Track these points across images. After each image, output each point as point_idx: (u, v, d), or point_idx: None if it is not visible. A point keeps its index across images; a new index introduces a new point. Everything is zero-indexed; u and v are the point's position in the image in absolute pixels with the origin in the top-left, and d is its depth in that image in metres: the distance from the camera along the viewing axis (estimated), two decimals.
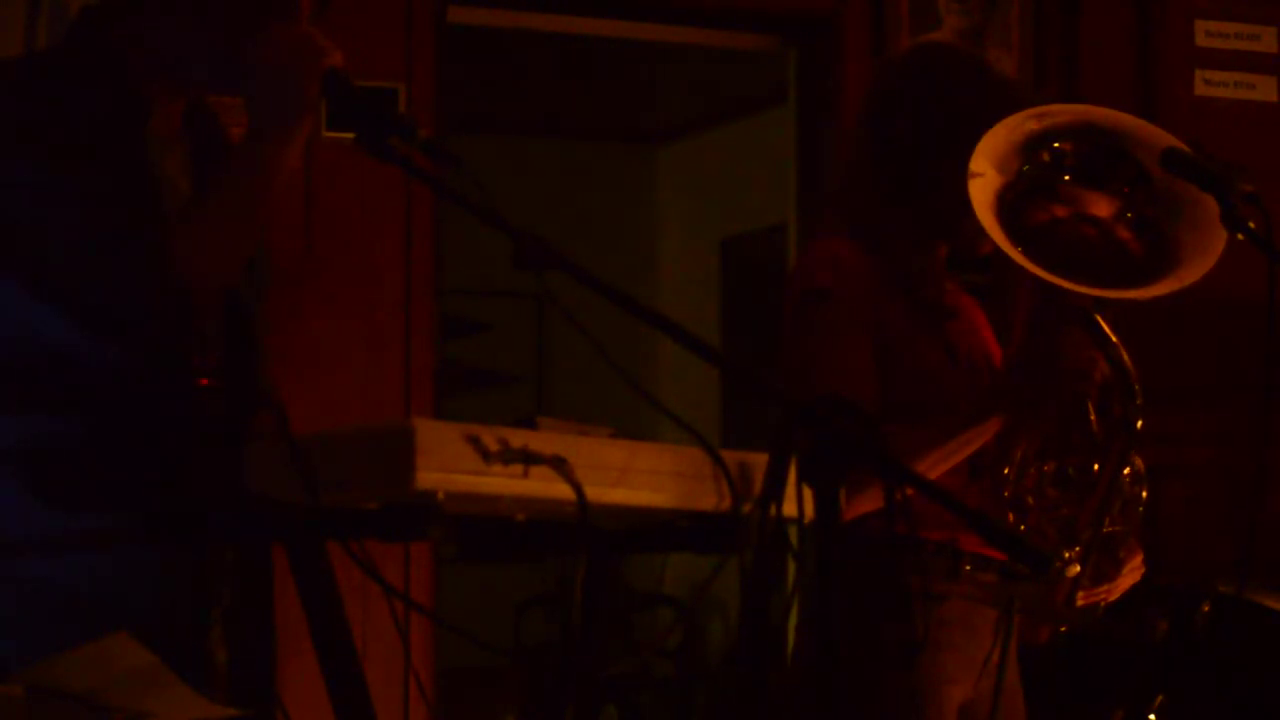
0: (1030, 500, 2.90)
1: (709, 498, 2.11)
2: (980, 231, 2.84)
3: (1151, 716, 3.73)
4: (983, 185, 2.79)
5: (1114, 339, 2.81)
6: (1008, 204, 2.81)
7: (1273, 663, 4.33)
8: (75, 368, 2.21)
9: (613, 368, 2.10)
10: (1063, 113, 2.87)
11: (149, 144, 2.31)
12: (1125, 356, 2.82)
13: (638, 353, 7.04)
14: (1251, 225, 2.83)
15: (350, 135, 2.16)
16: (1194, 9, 5.46)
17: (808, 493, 2.06)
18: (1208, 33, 5.48)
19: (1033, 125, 2.84)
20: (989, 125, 2.87)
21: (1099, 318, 2.80)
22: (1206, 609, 3.88)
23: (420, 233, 4.85)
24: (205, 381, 2.26)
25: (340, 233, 4.77)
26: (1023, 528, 2.86)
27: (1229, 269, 2.84)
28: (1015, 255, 2.75)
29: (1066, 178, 2.87)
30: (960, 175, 2.83)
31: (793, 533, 2.14)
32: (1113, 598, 2.96)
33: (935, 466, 2.85)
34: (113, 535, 2.18)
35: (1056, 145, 2.85)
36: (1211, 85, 5.47)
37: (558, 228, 5.26)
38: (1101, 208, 2.87)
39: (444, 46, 4.94)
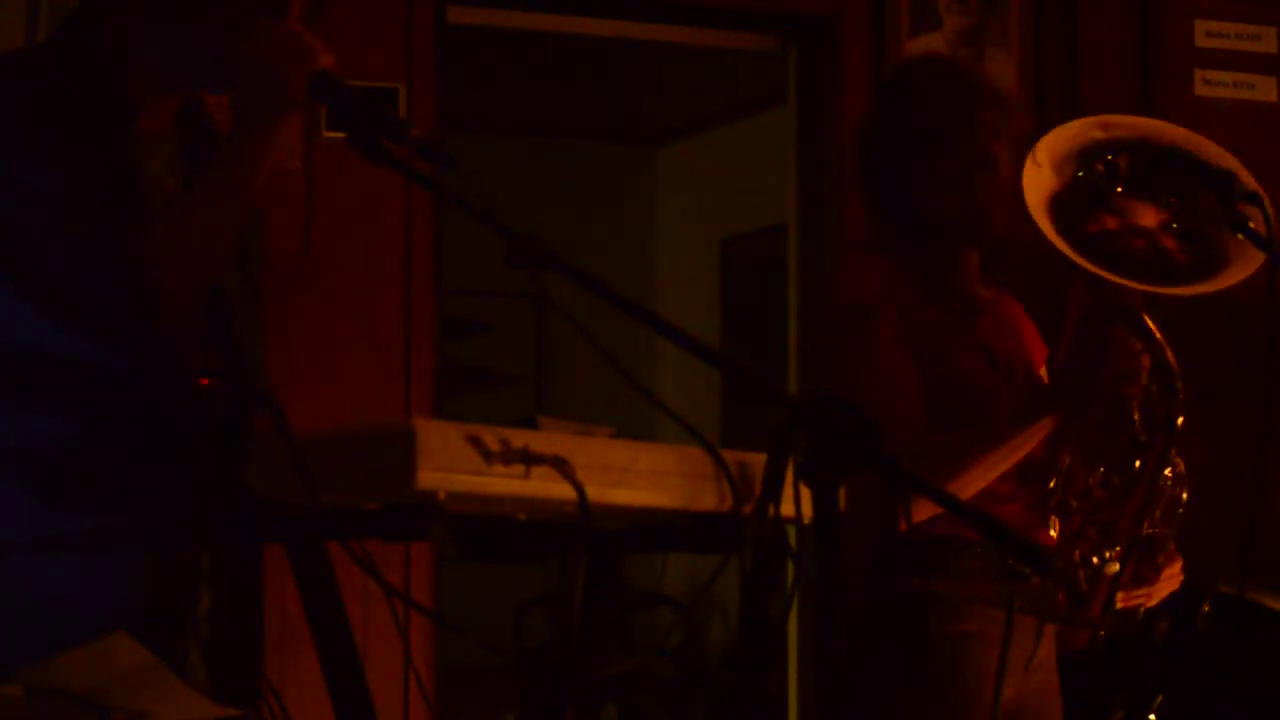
0: (1074, 503, 2.91)
1: (709, 498, 2.11)
2: (971, 221, 2.89)
3: (1151, 716, 3.73)
4: (1037, 182, 2.81)
5: (1160, 338, 2.82)
6: (1063, 205, 2.84)
7: (1273, 663, 4.33)
8: (72, 368, 2.21)
9: (613, 366, 2.10)
10: (1124, 126, 2.89)
11: (135, 142, 2.31)
12: (1170, 356, 2.83)
13: (637, 353, 7.04)
14: (1251, 225, 2.83)
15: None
16: (1194, 9, 5.46)
17: (807, 493, 2.06)
18: (1208, 33, 5.47)
19: (1096, 134, 2.87)
20: (946, 140, 2.97)
21: (1146, 316, 2.82)
22: (1206, 609, 3.88)
23: (420, 233, 4.85)
24: (205, 381, 2.26)
25: (340, 233, 4.77)
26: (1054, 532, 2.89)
27: None
28: (1063, 247, 2.77)
29: (1119, 189, 2.89)
30: (928, 179, 2.94)
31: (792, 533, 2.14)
32: (1151, 603, 2.98)
33: (989, 471, 2.88)
34: (113, 535, 2.18)
35: (1110, 157, 2.87)
36: (1211, 85, 5.47)
37: (558, 228, 5.26)
38: (1149, 218, 2.88)
39: (444, 46, 4.94)
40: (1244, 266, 2.83)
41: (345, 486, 1.94)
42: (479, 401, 7.66)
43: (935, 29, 5.22)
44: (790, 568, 2.11)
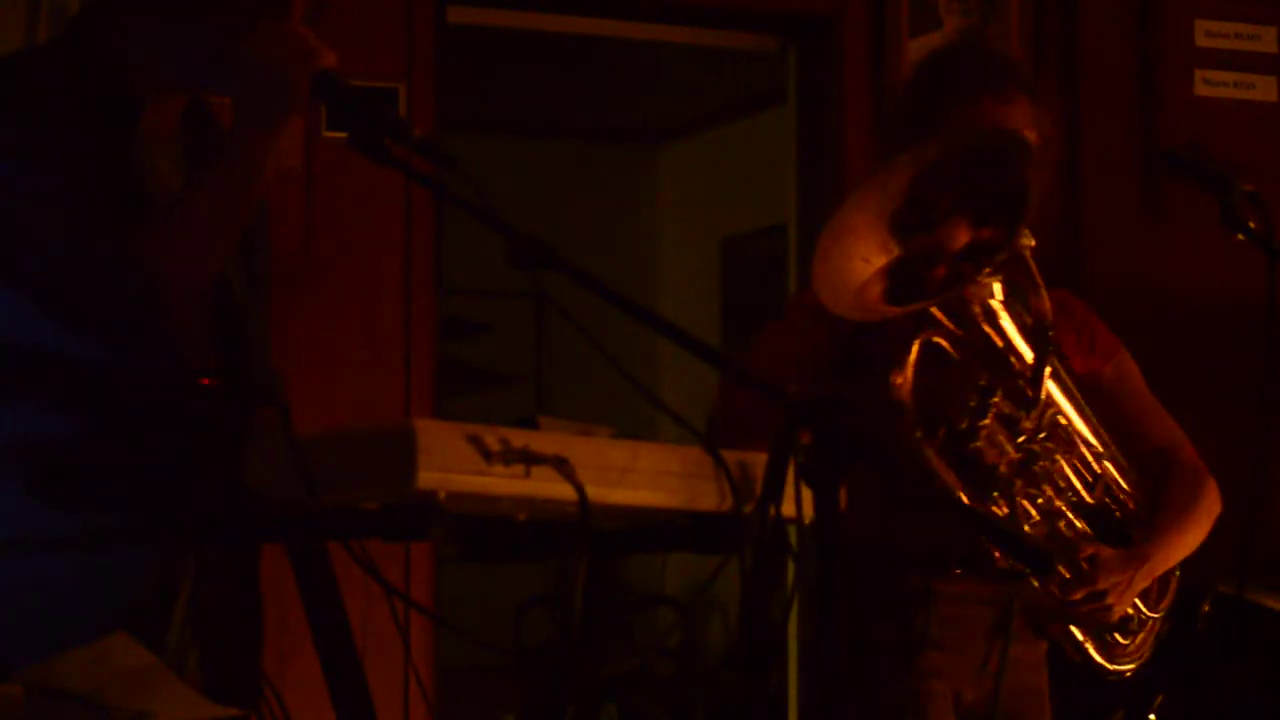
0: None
1: (709, 498, 2.11)
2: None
3: (1151, 716, 3.73)
4: (869, 270, 2.75)
5: (896, 389, 2.76)
6: (899, 277, 2.77)
7: (1273, 663, 4.33)
8: (72, 367, 2.21)
9: (613, 365, 2.10)
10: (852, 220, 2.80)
11: (139, 141, 2.31)
12: (900, 399, 2.76)
13: (637, 352, 7.04)
14: (1251, 225, 2.83)
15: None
16: (1194, 9, 5.46)
17: (807, 493, 2.06)
18: (1208, 33, 5.47)
19: (883, 253, 2.80)
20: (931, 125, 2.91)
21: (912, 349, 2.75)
22: (1206, 609, 3.88)
23: (420, 233, 4.85)
24: (206, 381, 2.26)
25: (340, 233, 4.77)
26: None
27: (1229, 269, 2.84)
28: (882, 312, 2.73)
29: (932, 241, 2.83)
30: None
31: (793, 533, 2.14)
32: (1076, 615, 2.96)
33: None
34: (113, 535, 2.18)
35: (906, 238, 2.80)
36: (1211, 85, 5.47)
37: (558, 228, 5.27)
38: (961, 235, 2.82)
39: (444, 46, 4.94)
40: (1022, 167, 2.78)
41: (345, 486, 1.94)
42: (479, 401, 7.66)
43: (935, 29, 5.22)
44: (790, 568, 2.11)
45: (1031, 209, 2.74)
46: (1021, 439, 2.84)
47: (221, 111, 2.41)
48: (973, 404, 2.80)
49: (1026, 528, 2.87)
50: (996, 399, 2.81)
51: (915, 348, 2.75)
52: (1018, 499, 2.85)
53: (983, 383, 2.80)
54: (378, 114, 2.14)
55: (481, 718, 7.32)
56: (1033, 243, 2.83)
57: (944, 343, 2.76)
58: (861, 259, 2.74)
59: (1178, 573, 3.15)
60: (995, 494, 2.82)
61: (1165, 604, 3.14)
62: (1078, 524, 2.96)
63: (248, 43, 2.22)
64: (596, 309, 2.10)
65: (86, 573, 2.24)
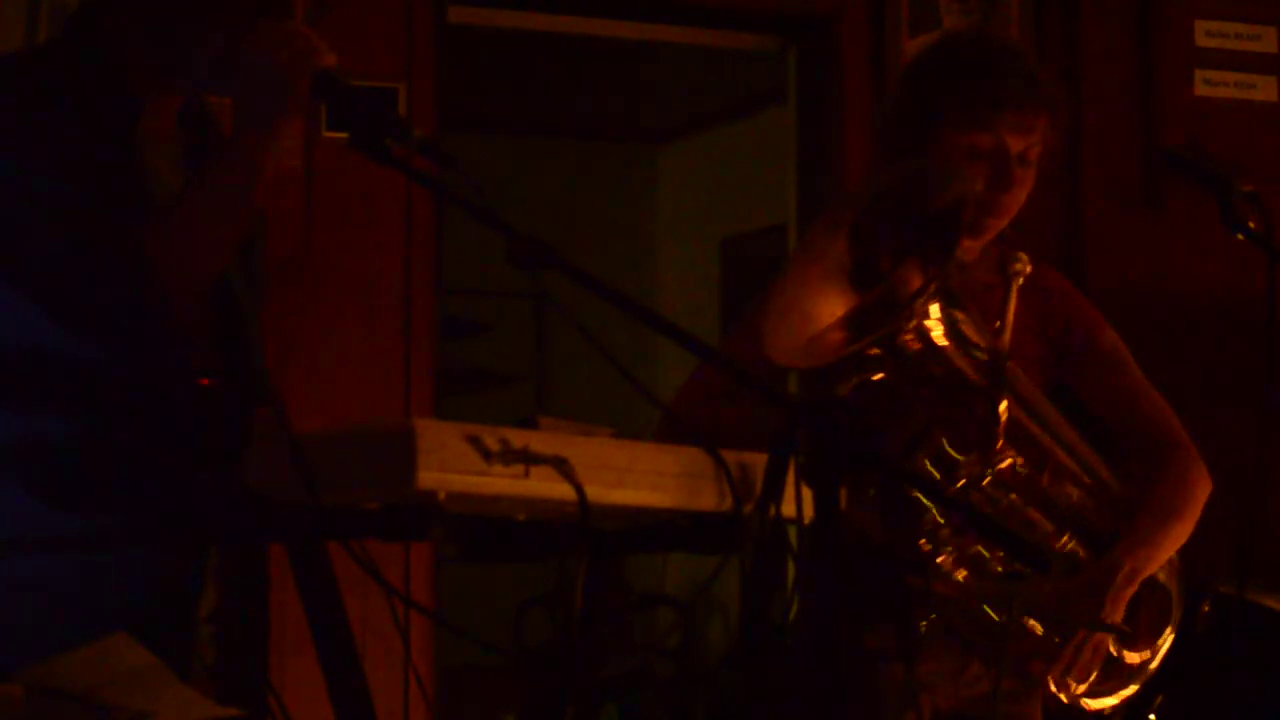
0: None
1: (709, 498, 2.12)
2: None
3: (1151, 716, 3.73)
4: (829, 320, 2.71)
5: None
6: (858, 323, 2.72)
7: (1273, 663, 4.33)
8: (73, 368, 2.21)
9: (613, 365, 2.10)
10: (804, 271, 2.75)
11: (140, 141, 2.31)
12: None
13: (638, 352, 7.04)
14: (1251, 225, 2.83)
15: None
16: (1194, 9, 5.46)
17: (807, 493, 2.06)
18: (1208, 33, 5.47)
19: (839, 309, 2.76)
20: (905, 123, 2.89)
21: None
22: (1206, 609, 3.88)
23: (420, 233, 4.85)
24: (206, 381, 2.26)
25: (340, 233, 4.77)
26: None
27: (1229, 268, 2.84)
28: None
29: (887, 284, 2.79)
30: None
31: (793, 533, 2.14)
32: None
33: None
34: (113, 535, 2.18)
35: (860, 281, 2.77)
36: (1211, 85, 5.47)
37: (558, 228, 5.27)
38: (915, 277, 2.77)
39: (444, 46, 4.94)
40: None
41: (345, 486, 1.94)
42: (479, 401, 7.66)
43: (935, 29, 5.22)
44: (790, 567, 2.11)
45: (962, 230, 2.69)
46: (961, 484, 2.74)
47: (221, 111, 2.41)
48: (899, 450, 2.69)
49: (960, 575, 2.80)
50: (929, 442, 2.73)
51: (842, 391, 2.69)
52: (945, 547, 2.80)
53: (922, 426, 2.73)
54: (378, 114, 2.15)
55: (481, 718, 7.32)
56: (1029, 269, 2.80)
57: (886, 382, 2.69)
58: (828, 314, 2.70)
59: (1175, 618, 3.11)
60: (921, 541, 2.75)
61: (1147, 657, 3.08)
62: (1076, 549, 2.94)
63: (248, 43, 2.22)
64: (596, 309, 2.10)
65: (87, 573, 2.24)
